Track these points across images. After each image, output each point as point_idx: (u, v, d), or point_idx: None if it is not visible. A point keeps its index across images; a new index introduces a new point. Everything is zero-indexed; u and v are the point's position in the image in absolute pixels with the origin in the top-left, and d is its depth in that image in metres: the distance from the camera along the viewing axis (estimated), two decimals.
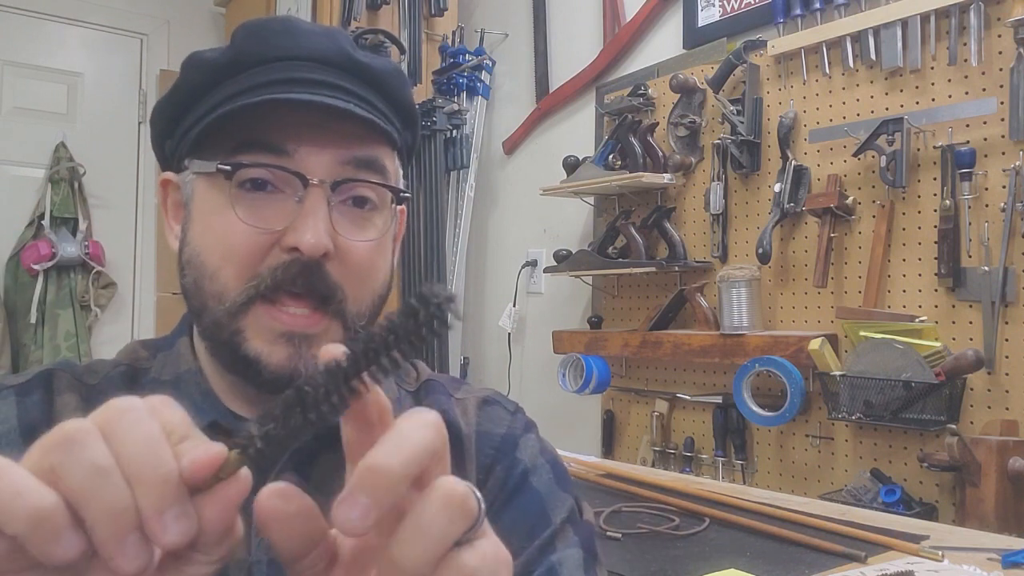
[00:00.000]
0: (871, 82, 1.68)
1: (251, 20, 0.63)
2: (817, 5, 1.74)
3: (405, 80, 0.67)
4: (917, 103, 1.61)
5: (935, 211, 1.57)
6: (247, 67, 0.60)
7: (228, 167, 0.58)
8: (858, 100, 1.71)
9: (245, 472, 0.34)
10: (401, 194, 0.64)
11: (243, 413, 0.63)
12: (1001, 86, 1.48)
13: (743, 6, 1.96)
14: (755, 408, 1.77)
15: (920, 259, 1.60)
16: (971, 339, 1.52)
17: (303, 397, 0.35)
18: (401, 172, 0.68)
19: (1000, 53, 1.49)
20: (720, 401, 1.93)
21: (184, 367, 0.65)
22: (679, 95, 2.04)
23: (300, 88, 0.59)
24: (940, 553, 1.05)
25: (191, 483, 0.33)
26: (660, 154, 2.06)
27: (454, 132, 2.69)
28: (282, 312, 0.58)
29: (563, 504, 0.69)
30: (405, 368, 0.36)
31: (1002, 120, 1.48)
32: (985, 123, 1.51)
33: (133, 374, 0.66)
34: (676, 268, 2.02)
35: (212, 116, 0.59)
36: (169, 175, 0.67)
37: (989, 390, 1.49)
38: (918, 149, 1.60)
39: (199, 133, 0.60)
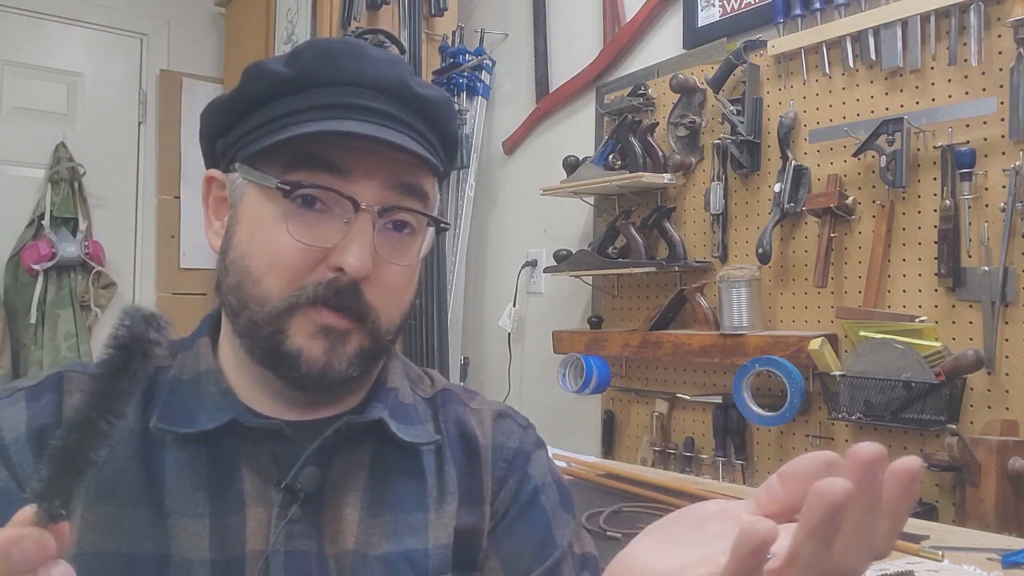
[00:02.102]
0: (871, 82, 1.68)
1: (320, 40, 0.66)
2: (817, 5, 1.74)
3: (453, 111, 0.70)
4: (917, 103, 1.61)
5: (935, 211, 1.57)
6: (312, 86, 0.62)
7: (287, 187, 0.60)
8: (858, 100, 1.71)
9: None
10: (441, 224, 0.68)
11: (263, 411, 0.66)
12: (1001, 86, 1.48)
13: (743, 6, 1.96)
14: (755, 408, 1.77)
15: (920, 259, 1.60)
16: (971, 339, 1.52)
17: (66, 452, 0.40)
18: (439, 197, 0.71)
19: (1000, 53, 1.49)
20: (720, 401, 1.93)
21: (204, 367, 0.66)
22: (679, 95, 2.03)
23: (361, 115, 0.62)
24: (940, 553, 1.05)
25: None
26: (660, 154, 2.06)
27: None
28: (321, 314, 0.61)
29: (567, 526, 0.71)
30: (132, 396, 0.41)
31: (1002, 120, 1.48)
32: (985, 123, 1.51)
33: (151, 373, 0.67)
34: (676, 268, 2.02)
35: (279, 137, 0.61)
36: (215, 173, 0.69)
37: (989, 390, 1.49)
38: (918, 149, 1.60)
39: (261, 145, 0.62)
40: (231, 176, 0.66)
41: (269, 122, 0.62)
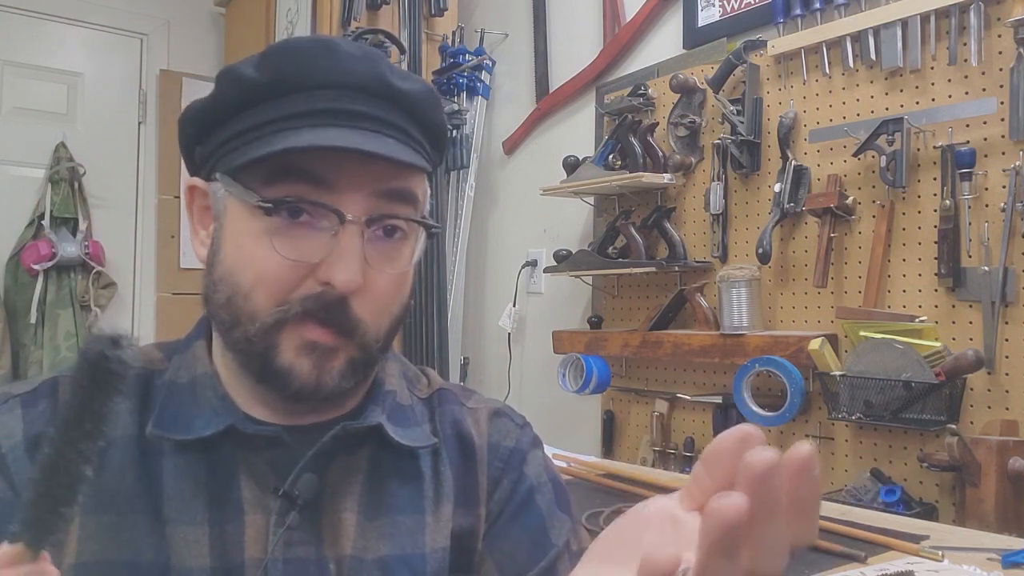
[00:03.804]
0: (871, 82, 1.68)
1: (290, 40, 0.63)
2: (817, 5, 1.74)
3: (438, 102, 0.67)
4: (917, 103, 1.61)
5: (935, 211, 1.57)
6: (286, 91, 0.60)
7: (270, 204, 0.59)
8: (858, 100, 1.71)
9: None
10: (432, 229, 0.65)
11: (261, 417, 0.65)
12: (1001, 86, 1.48)
13: (743, 6, 1.96)
14: (755, 408, 1.77)
15: (920, 259, 1.60)
16: (971, 339, 1.52)
17: (45, 493, 0.39)
18: (429, 192, 0.69)
19: (1000, 53, 1.49)
20: (720, 401, 1.93)
21: (200, 370, 0.66)
22: (679, 95, 2.03)
23: (341, 120, 0.59)
24: (940, 553, 1.05)
25: None
26: (660, 154, 2.06)
27: (454, 132, 2.69)
28: (308, 328, 0.60)
29: (563, 526, 0.71)
30: (109, 423, 0.39)
31: (1002, 120, 1.48)
32: (985, 123, 1.51)
33: (147, 376, 0.66)
34: (676, 268, 2.02)
35: (259, 152, 0.58)
36: (197, 182, 0.67)
37: (989, 390, 1.49)
38: (918, 149, 1.60)
39: (240, 160, 0.60)
40: (213, 186, 0.64)
41: (246, 131, 0.60)
